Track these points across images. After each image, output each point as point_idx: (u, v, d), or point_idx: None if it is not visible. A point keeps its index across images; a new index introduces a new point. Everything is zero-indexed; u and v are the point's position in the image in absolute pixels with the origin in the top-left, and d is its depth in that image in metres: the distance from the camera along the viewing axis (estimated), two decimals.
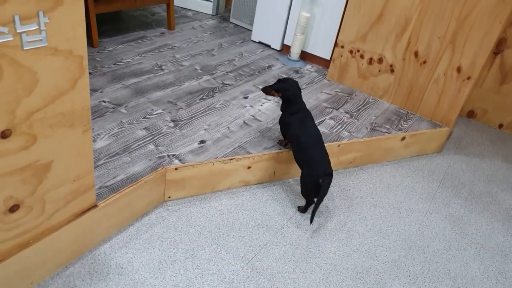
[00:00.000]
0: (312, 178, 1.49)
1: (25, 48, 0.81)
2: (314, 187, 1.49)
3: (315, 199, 1.50)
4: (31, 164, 0.98)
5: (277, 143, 1.75)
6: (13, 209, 1.00)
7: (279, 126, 1.90)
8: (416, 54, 2.15)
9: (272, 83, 2.27)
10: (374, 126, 2.05)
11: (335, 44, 2.44)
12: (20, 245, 1.08)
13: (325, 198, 1.60)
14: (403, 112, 2.26)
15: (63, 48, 0.89)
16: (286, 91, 1.64)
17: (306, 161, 1.54)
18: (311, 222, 1.53)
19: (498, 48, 2.42)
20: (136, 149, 1.56)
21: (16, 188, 0.98)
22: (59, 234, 1.16)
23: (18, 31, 0.78)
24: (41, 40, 0.83)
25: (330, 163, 1.53)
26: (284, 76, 2.43)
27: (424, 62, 2.14)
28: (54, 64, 0.89)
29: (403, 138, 2.03)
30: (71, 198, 1.16)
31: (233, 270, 1.32)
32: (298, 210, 1.61)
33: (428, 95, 2.18)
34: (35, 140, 0.95)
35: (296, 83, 1.67)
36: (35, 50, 0.84)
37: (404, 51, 2.18)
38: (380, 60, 2.29)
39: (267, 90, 1.69)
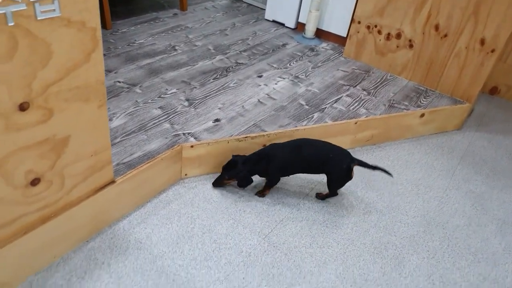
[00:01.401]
0: (342, 169, 1.47)
1: (38, 18, 0.81)
2: (347, 175, 1.48)
3: None
4: (49, 138, 0.99)
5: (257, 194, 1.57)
6: (34, 182, 1.02)
7: (293, 104, 1.88)
8: (436, 27, 2.08)
9: (287, 62, 2.24)
10: (392, 103, 2.01)
11: (352, 20, 2.38)
12: (42, 218, 1.10)
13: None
14: (422, 88, 2.21)
15: (76, 19, 0.89)
16: (240, 172, 1.46)
17: (324, 161, 1.47)
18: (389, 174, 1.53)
19: None
20: (152, 127, 1.57)
21: (35, 162, 0.99)
22: (79, 209, 1.18)
23: (31, 0, 0.78)
24: (54, 10, 0.82)
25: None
26: (298, 54, 2.39)
27: (445, 36, 2.07)
28: (68, 35, 0.89)
29: (422, 115, 1.98)
30: (89, 174, 1.17)
31: (250, 244, 1.32)
32: (317, 196, 1.57)
33: (449, 70, 2.12)
34: (52, 114, 0.96)
35: (235, 161, 1.48)
36: (49, 21, 0.83)
37: (423, 25, 2.11)
38: (398, 35, 2.22)
39: (221, 182, 1.53)
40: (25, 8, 0.78)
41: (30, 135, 0.94)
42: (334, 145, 1.50)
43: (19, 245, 1.06)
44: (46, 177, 1.04)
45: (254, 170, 1.48)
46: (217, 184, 1.53)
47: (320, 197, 1.56)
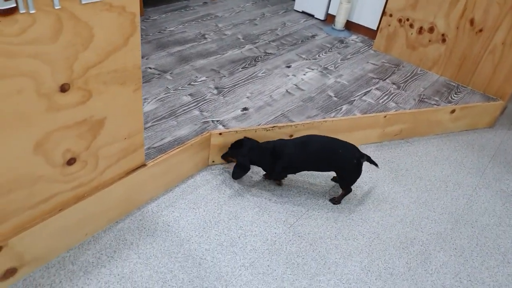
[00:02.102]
0: (353, 163, 1.41)
1: (83, 2, 0.83)
2: (358, 169, 1.43)
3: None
4: (86, 119, 1.02)
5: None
6: (70, 162, 1.05)
7: (322, 95, 1.87)
8: (471, 21, 2.02)
9: (316, 53, 2.23)
10: (422, 98, 1.97)
11: (383, 13, 2.34)
12: (76, 197, 1.14)
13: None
14: (454, 84, 2.15)
15: (117, 3, 0.90)
16: (242, 157, 1.45)
17: (333, 156, 1.43)
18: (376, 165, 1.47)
19: None
20: (182, 113, 1.59)
21: (73, 142, 1.02)
22: (111, 189, 1.22)
23: None
24: None
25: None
26: (328, 45, 2.37)
27: (480, 31, 2.00)
28: (109, 19, 0.91)
29: (453, 111, 1.94)
30: (122, 156, 1.20)
31: (275, 233, 1.33)
32: (332, 201, 1.49)
33: (483, 66, 2.06)
34: (91, 96, 0.99)
35: (242, 143, 1.48)
36: (92, 5, 0.85)
37: (458, 19, 2.05)
38: (431, 29, 2.17)
39: (225, 157, 1.54)
40: None
41: (69, 115, 0.97)
42: (342, 141, 1.45)
43: (54, 222, 1.10)
44: (82, 157, 1.08)
45: (257, 161, 1.46)
46: (222, 157, 1.53)
47: (335, 200, 1.49)
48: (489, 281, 1.28)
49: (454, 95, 2.04)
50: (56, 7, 0.80)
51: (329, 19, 2.70)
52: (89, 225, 1.23)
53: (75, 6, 0.83)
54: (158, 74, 1.83)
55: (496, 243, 1.42)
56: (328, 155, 1.42)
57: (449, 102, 1.97)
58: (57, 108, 0.94)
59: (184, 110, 1.62)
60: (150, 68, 1.87)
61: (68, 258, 1.17)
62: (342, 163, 1.42)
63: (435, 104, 1.93)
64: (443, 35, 2.14)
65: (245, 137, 1.50)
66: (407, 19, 2.23)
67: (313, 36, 2.47)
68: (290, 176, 1.57)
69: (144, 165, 1.30)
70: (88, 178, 1.14)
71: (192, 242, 1.27)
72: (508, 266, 1.34)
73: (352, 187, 1.48)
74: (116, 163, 1.20)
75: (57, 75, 0.89)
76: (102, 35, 0.92)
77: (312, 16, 2.76)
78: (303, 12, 2.80)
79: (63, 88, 0.92)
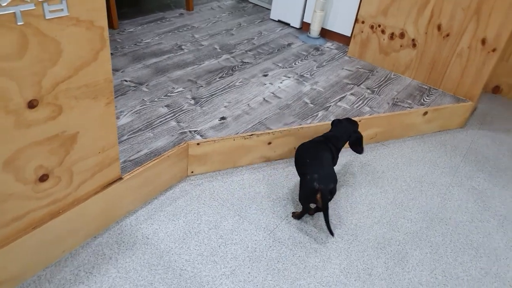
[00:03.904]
0: (308, 183, 1.34)
1: (47, 18, 0.84)
2: (310, 192, 1.34)
3: (314, 208, 1.44)
4: (58, 134, 1.02)
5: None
6: (43, 178, 1.05)
7: (298, 103, 1.90)
8: (439, 27, 2.09)
9: (292, 61, 2.26)
10: (395, 101, 2.02)
11: (356, 20, 2.40)
12: (51, 214, 1.13)
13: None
14: (426, 87, 2.22)
15: (84, 18, 0.91)
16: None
17: (306, 169, 1.41)
18: (331, 234, 1.38)
19: None
20: (159, 125, 1.59)
21: (45, 157, 1.02)
22: (87, 204, 1.21)
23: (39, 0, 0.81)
24: (62, 9, 0.85)
25: (333, 172, 1.40)
26: (303, 53, 2.41)
27: (447, 35, 2.08)
28: (76, 34, 0.91)
29: (425, 113, 1.99)
30: (97, 170, 1.20)
31: (256, 240, 1.34)
32: (292, 216, 1.46)
33: (451, 69, 2.13)
34: (61, 111, 0.99)
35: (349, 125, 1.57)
36: (58, 20, 0.86)
37: (426, 25, 2.12)
38: (402, 35, 2.24)
39: None
40: (33, 7, 0.80)
41: (39, 131, 0.97)
42: (328, 165, 1.41)
43: (28, 240, 1.09)
44: (55, 173, 1.07)
45: None
46: None
47: (295, 216, 1.45)
48: (463, 275, 1.32)
49: (426, 98, 2.10)
50: (19, 23, 0.80)
51: (305, 27, 2.75)
52: (66, 242, 1.21)
53: (40, 22, 0.84)
54: (134, 87, 1.83)
55: (469, 239, 1.46)
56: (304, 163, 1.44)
57: (422, 104, 2.03)
58: (27, 125, 0.93)
59: (160, 121, 1.62)
60: (126, 80, 1.87)
61: (44, 276, 1.16)
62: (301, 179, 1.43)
63: (408, 107, 1.99)
64: (413, 40, 2.20)
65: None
66: (379, 26, 2.30)
67: (289, 45, 2.51)
68: (268, 183, 1.59)
69: (120, 178, 1.29)
70: (62, 193, 1.13)
71: (172, 254, 1.27)
72: (480, 260, 1.38)
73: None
74: (91, 178, 1.19)
75: (25, 91, 0.89)
76: (70, 50, 0.92)
77: (288, 24, 2.81)
78: (279, 21, 2.85)
79: (32, 104, 0.92)
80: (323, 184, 1.32)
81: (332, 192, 1.35)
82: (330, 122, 1.63)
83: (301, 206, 1.44)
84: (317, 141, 1.53)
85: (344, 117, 1.65)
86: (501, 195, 1.70)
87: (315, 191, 1.32)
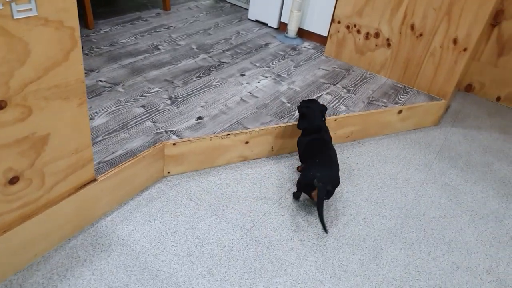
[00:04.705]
0: (307, 177, 1.43)
1: (15, 17, 0.82)
2: (304, 186, 1.45)
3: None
4: (28, 136, 1.00)
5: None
6: (13, 181, 1.03)
7: (275, 102, 1.92)
8: (412, 27, 2.14)
9: (269, 61, 2.28)
10: (371, 100, 2.06)
11: (332, 20, 2.43)
12: (22, 217, 1.11)
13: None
14: (400, 86, 2.26)
15: (54, 18, 0.90)
16: (303, 108, 1.64)
17: (310, 161, 1.52)
18: (325, 231, 1.42)
19: (496, 20, 2.40)
20: (134, 125, 1.58)
21: (15, 160, 1.00)
22: (60, 206, 1.19)
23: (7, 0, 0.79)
24: (31, 9, 0.83)
25: (338, 172, 1.48)
26: (281, 53, 2.43)
27: (421, 35, 2.13)
28: (45, 34, 0.90)
29: (400, 112, 2.03)
30: (70, 172, 1.18)
31: (232, 239, 1.35)
32: (293, 194, 1.56)
33: (425, 68, 2.18)
34: (31, 112, 0.97)
35: (317, 103, 1.67)
36: (26, 20, 0.85)
37: (400, 25, 2.17)
38: (376, 35, 2.28)
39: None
40: (1, 7, 0.79)
41: (8, 133, 0.95)
42: (333, 162, 1.50)
43: None
44: (26, 175, 1.05)
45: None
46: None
47: (294, 195, 1.57)
48: (435, 270, 1.35)
49: (401, 96, 2.14)
50: None
51: (282, 27, 2.77)
52: (38, 245, 1.19)
53: (7, 22, 0.82)
54: (110, 87, 1.81)
55: (442, 234, 1.50)
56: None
57: (396, 103, 2.07)
58: None
59: (136, 122, 1.61)
60: (101, 81, 1.85)
61: (16, 281, 1.13)
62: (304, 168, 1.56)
63: (383, 106, 2.02)
64: (388, 40, 2.25)
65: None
66: (354, 25, 2.33)
67: (266, 45, 2.52)
68: (245, 183, 1.60)
69: (94, 180, 1.28)
70: (34, 196, 1.11)
71: (148, 255, 1.26)
72: (452, 255, 1.42)
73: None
74: (64, 179, 1.18)
75: None
76: (39, 51, 0.91)
77: (265, 24, 2.82)
78: (256, 21, 2.86)
79: (0, 106, 0.90)
80: (322, 183, 1.39)
81: (328, 193, 1.43)
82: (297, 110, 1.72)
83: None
84: (323, 139, 1.58)
85: (302, 102, 1.70)
86: (473, 190, 1.75)
87: (312, 187, 1.41)
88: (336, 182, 1.45)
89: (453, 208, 1.63)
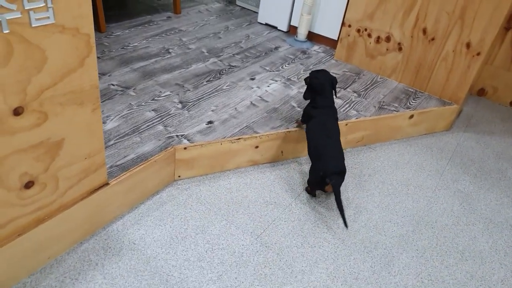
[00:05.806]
0: (318, 175, 1.47)
1: (33, 25, 0.83)
2: (318, 184, 1.50)
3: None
4: (43, 141, 1.01)
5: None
6: (28, 185, 1.04)
7: (285, 106, 1.91)
8: (424, 31, 2.12)
9: (279, 64, 2.28)
10: (382, 105, 2.04)
11: (342, 24, 2.42)
12: (37, 220, 1.12)
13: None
14: (412, 90, 2.25)
15: (70, 26, 0.91)
16: (313, 79, 1.63)
17: (317, 155, 1.51)
18: (346, 226, 1.44)
19: (510, 24, 2.37)
20: (145, 129, 1.59)
21: (30, 165, 1.01)
22: (73, 210, 1.20)
23: (26, 8, 0.80)
24: (48, 17, 0.84)
25: (343, 160, 1.49)
26: (291, 56, 2.42)
27: (433, 39, 2.11)
28: (62, 42, 0.91)
29: (411, 116, 2.02)
30: (83, 176, 1.19)
31: (243, 245, 1.35)
32: (306, 190, 1.62)
33: (437, 72, 2.16)
34: (47, 118, 0.98)
35: (328, 74, 1.66)
36: (43, 28, 0.85)
37: (412, 28, 2.15)
38: (387, 39, 2.26)
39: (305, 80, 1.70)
40: (20, 16, 0.80)
41: (25, 138, 0.96)
42: (338, 150, 1.52)
43: (13, 247, 1.07)
44: (40, 179, 1.06)
45: None
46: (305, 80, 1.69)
47: (307, 191, 1.61)
48: (448, 279, 1.34)
49: (412, 101, 2.13)
50: (5, 31, 0.80)
51: (292, 30, 2.77)
52: (51, 248, 1.20)
53: (25, 30, 0.83)
54: (121, 91, 1.82)
55: (455, 242, 1.48)
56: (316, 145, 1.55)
57: (408, 108, 2.06)
58: (11, 132, 0.92)
59: (148, 126, 1.61)
60: (113, 84, 1.86)
61: (29, 283, 1.15)
62: (312, 164, 1.56)
63: (394, 110, 2.01)
64: (399, 44, 2.23)
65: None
66: (365, 29, 2.32)
67: (276, 48, 2.52)
68: (255, 187, 1.59)
69: (107, 184, 1.28)
70: (48, 200, 1.12)
71: (159, 259, 1.27)
72: (466, 263, 1.41)
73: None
74: (77, 184, 1.19)
75: (10, 98, 0.88)
76: (56, 58, 0.92)
77: (275, 28, 2.82)
78: (266, 24, 2.86)
79: (17, 112, 0.91)
80: (334, 179, 1.42)
81: (341, 183, 1.47)
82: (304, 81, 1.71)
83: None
84: (327, 114, 1.60)
85: (311, 72, 1.68)
86: (486, 197, 1.73)
87: (324, 183, 1.44)
88: (344, 170, 1.48)
89: (466, 216, 1.61)
